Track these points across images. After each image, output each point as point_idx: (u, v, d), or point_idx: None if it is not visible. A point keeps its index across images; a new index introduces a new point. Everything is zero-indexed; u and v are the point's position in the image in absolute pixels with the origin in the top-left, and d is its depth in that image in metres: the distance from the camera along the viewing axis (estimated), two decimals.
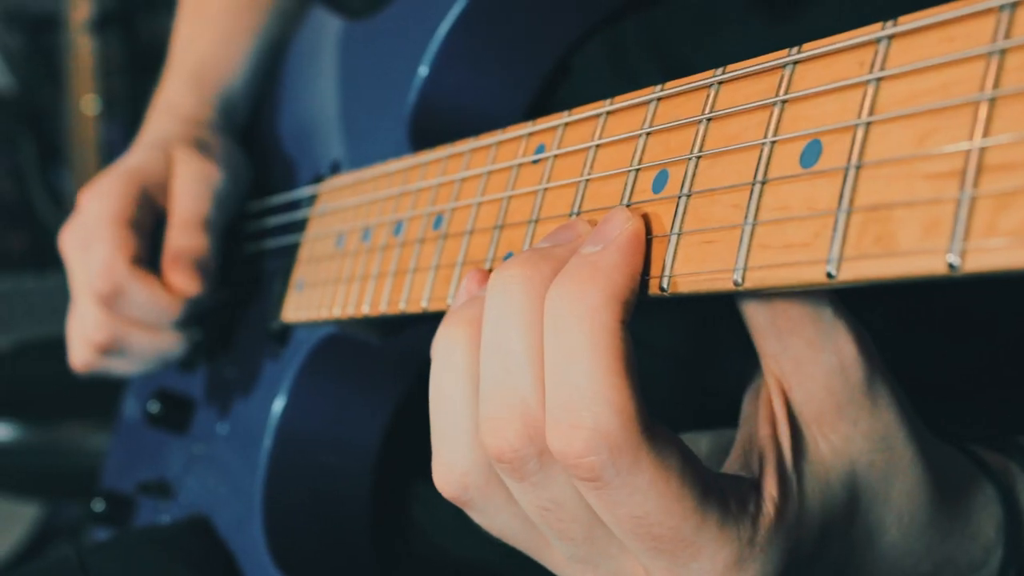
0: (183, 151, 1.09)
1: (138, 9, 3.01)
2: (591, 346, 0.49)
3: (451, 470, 0.59)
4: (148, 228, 1.05)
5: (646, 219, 0.54)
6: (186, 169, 1.07)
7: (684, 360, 0.84)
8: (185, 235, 1.04)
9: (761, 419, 0.56)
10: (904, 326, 0.77)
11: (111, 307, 1.00)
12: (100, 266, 0.99)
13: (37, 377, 1.15)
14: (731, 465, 0.57)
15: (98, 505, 1.21)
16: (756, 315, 0.54)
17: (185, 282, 1.01)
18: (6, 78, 3.21)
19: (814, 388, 0.54)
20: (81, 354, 1.06)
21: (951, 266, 0.39)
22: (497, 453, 0.54)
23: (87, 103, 3.07)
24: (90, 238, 1.01)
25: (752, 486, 0.53)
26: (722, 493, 0.51)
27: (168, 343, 1.05)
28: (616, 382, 0.49)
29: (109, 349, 1.03)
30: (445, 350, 0.58)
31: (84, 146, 3.10)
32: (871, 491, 0.56)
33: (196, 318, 1.06)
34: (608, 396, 0.49)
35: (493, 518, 0.60)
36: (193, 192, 1.06)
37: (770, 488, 0.53)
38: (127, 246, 1.00)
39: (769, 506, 0.52)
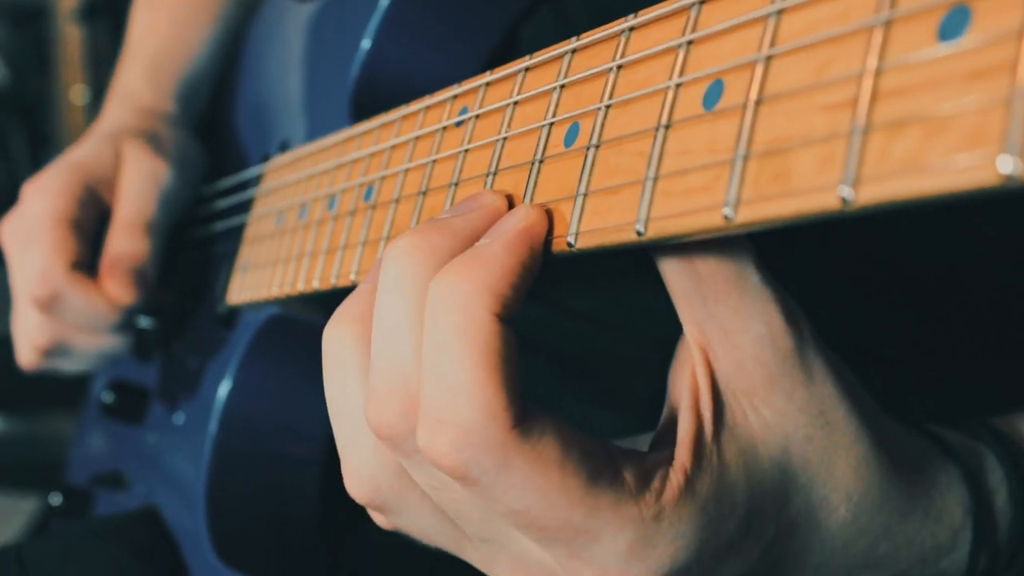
0: (133, 146, 1.06)
1: None
2: (458, 336, 0.47)
3: (360, 474, 0.57)
4: (91, 226, 1.04)
5: (549, 206, 0.51)
6: (134, 167, 1.05)
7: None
8: (125, 239, 1.02)
9: (683, 390, 0.52)
10: (855, 297, 0.75)
11: (49, 311, 1.00)
12: (38, 270, 0.98)
13: (19, 367, 1.14)
14: (654, 441, 0.53)
15: (55, 499, 1.18)
16: (678, 279, 0.50)
17: (120, 291, 1.00)
18: None
19: (742, 358, 0.51)
20: (26, 354, 1.06)
21: (844, 200, 0.36)
22: (376, 429, 0.52)
23: (76, 93, 3.04)
24: (30, 238, 1.00)
25: (661, 460, 0.49)
26: (616, 472, 0.48)
27: (110, 344, 1.06)
28: (481, 376, 0.46)
29: (51, 351, 1.04)
30: (334, 352, 0.56)
31: (74, 136, 3.07)
32: (811, 468, 0.52)
33: (137, 319, 1.06)
34: (472, 391, 0.46)
35: (410, 519, 0.57)
36: (139, 191, 1.04)
37: (683, 458, 0.49)
38: (66, 250, 0.99)
39: (678, 477, 0.49)
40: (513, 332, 0.47)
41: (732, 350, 0.51)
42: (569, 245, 0.49)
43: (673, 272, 0.51)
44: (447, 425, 0.47)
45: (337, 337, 0.56)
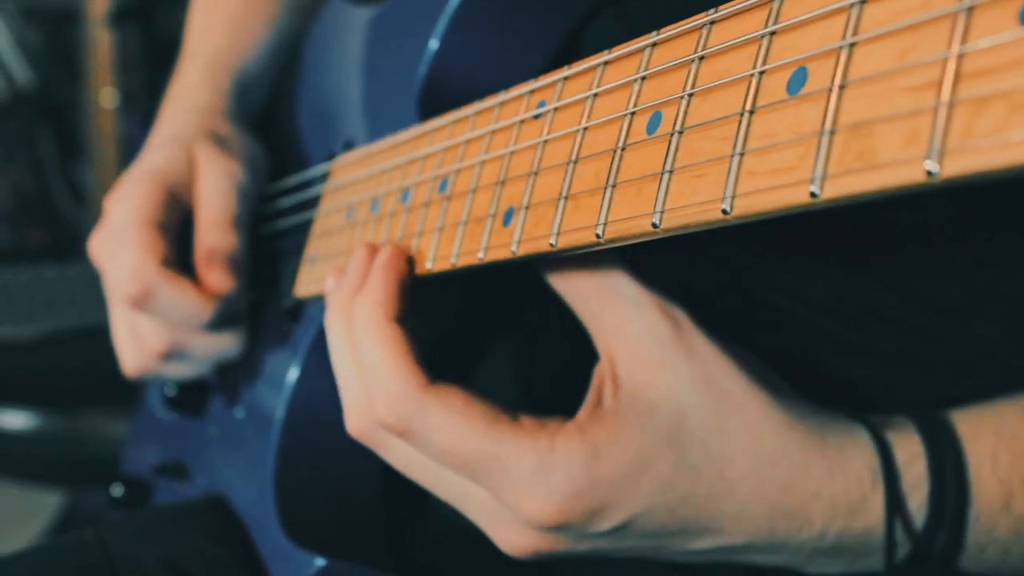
0: (205, 149, 1.08)
1: (156, 2, 3.02)
2: (371, 340, 0.70)
3: (353, 415, 0.75)
4: (175, 230, 1.05)
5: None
6: (209, 168, 1.07)
7: None
8: (216, 233, 1.03)
9: (595, 379, 0.69)
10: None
11: (142, 309, 0.99)
12: (129, 269, 0.98)
13: (58, 366, 1.15)
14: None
15: (117, 490, 1.21)
16: (572, 300, 0.70)
17: (220, 279, 1.00)
18: (26, 73, 3.24)
19: (633, 350, 0.67)
20: (136, 361, 1.05)
21: (929, 173, 0.39)
22: (352, 432, 0.75)
23: (106, 97, 3.09)
24: (118, 243, 1.01)
25: (559, 419, 0.66)
26: (515, 417, 0.66)
27: (226, 344, 1.06)
28: (392, 358, 0.68)
29: (170, 355, 1.04)
30: (329, 333, 0.78)
31: (103, 140, 3.12)
32: (707, 426, 0.66)
33: (227, 319, 1.05)
34: (389, 370, 0.68)
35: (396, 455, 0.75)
36: (219, 191, 1.06)
37: (579, 415, 0.66)
38: (156, 249, 1.00)
39: (571, 425, 0.65)
40: (408, 327, 0.70)
41: (625, 346, 0.68)
42: (655, 226, 0.52)
43: (567, 295, 0.71)
44: (381, 397, 0.68)
45: (329, 324, 0.78)
